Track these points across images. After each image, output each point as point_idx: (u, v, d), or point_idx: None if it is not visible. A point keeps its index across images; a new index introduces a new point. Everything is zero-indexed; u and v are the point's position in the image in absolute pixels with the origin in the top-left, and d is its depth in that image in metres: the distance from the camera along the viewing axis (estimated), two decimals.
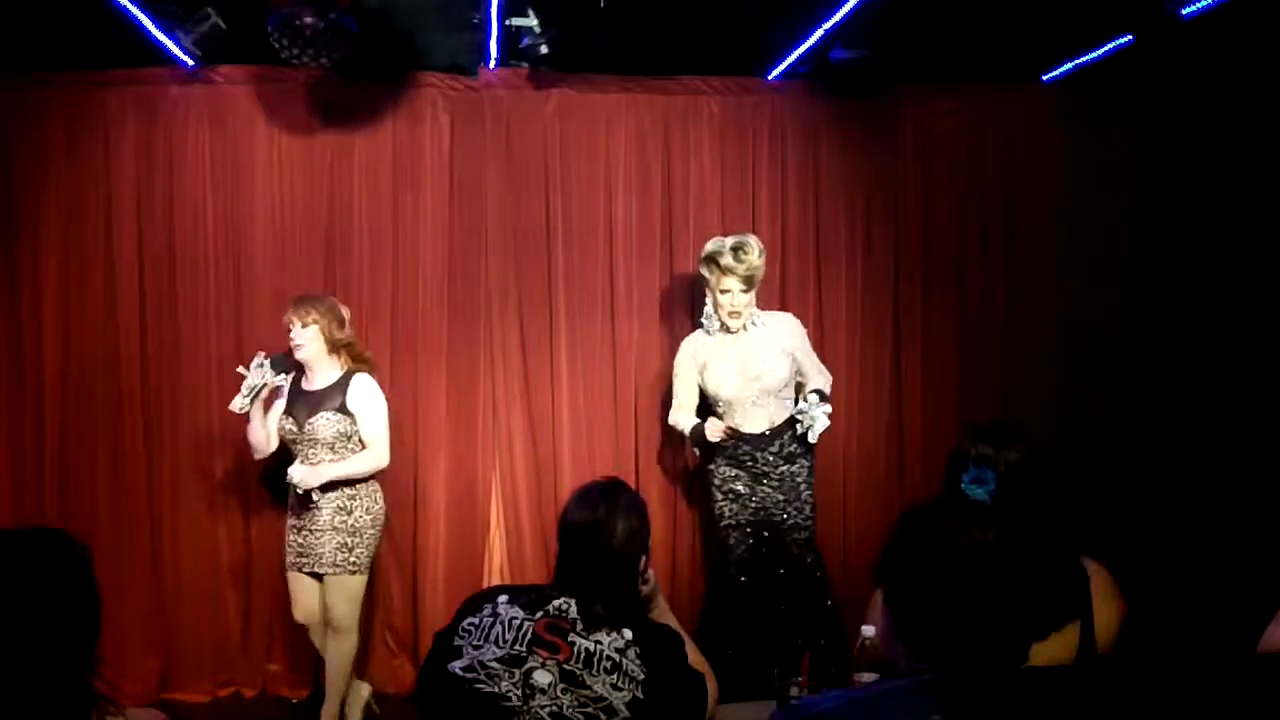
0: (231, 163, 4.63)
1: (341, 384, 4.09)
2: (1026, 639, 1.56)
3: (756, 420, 4.29)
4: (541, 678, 2.07)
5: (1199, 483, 4.82)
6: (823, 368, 4.44)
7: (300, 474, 3.95)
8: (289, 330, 4.06)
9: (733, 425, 4.29)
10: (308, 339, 4.05)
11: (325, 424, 4.03)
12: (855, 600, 4.20)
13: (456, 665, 2.13)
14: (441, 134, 4.73)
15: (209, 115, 4.61)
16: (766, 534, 4.28)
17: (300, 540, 4.07)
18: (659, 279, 4.85)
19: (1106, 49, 4.53)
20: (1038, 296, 4.99)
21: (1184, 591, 4.49)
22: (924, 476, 4.76)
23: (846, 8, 4.05)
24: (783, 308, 4.64)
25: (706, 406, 4.41)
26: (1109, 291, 5.01)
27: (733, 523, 4.31)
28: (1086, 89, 4.90)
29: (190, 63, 4.50)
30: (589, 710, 2.06)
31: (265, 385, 4.00)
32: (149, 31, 4.16)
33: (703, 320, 4.44)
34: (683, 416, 4.42)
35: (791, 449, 4.29)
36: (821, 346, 4.66)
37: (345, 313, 4.17)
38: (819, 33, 4.30)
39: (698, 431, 4.33)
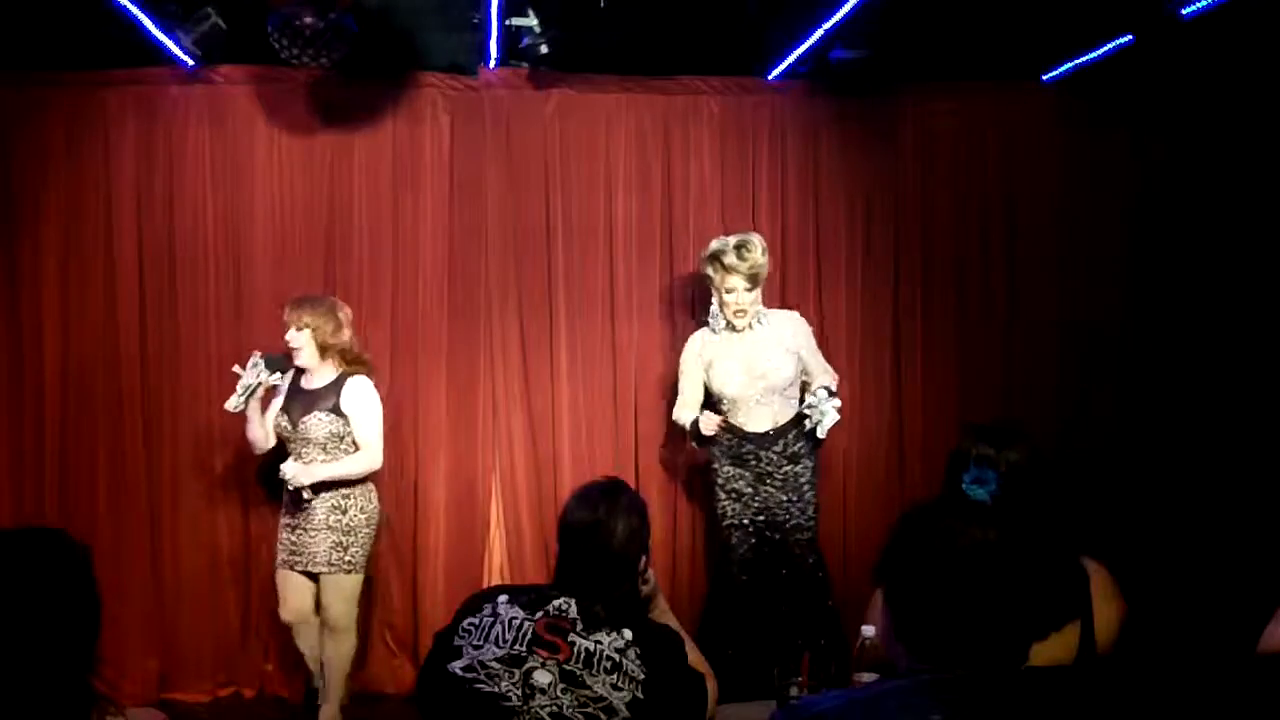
0: (231, 163, 4.63)
1: (336, 385, 4.10)
2: (1026, 639, 1.56)
3: (761, 419, 4.29)
4: (541, 678, 2.07)
5: (1199, 483, 4.82)
6: (828, 367, 4.44)
7: (292, 470, 3.96)
8: (286, 330, 4.08)
9: (737, 423, 4.28)
10: (301, 342, 4.07)
11: (318, 424, 4.03)
12: (855, 600, 4.20)
13: (456, 665, 2.13)
14: (441, 134, 4.73)
15: (209, 115, 4.61)
16: (769, 534, 4.28)
17: (293, 539, 4.07)
18: (659, 279, 4.85)
19: (1106, 49, 4.53)
20: (1038, 296, 4.98)
21: (1184, 591, 4.49)
22: (924, 476, 4.76)
23: (846, 8, 4.05)
24: (783, 308, 4.64)
25: (712, 405, 4.40)
26: (1109, 291, 5.00)
27: (735, 522, 4.31)
28: (1086, 89, 4.90)
29: (190, 63, 4.50)
30: (589, 710, 2.05)
31: (260, 385, 4.01)
32: (149, 31, 4.16)
33: (709, 319, 4.44)
34: (685, 413, 4.42)
35: (796, 449, 4.29)
36: (822, 346, 4.65)
37: (345, 315, 4.16)
38: (819, 33, 4.31)
39: (696, 426, 4.33)
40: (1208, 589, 4.47)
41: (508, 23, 4.37)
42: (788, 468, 4.28)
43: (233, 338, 4.59)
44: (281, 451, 4.15)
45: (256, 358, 4.04)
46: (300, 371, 4.13)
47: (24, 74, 4.48)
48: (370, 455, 4.09)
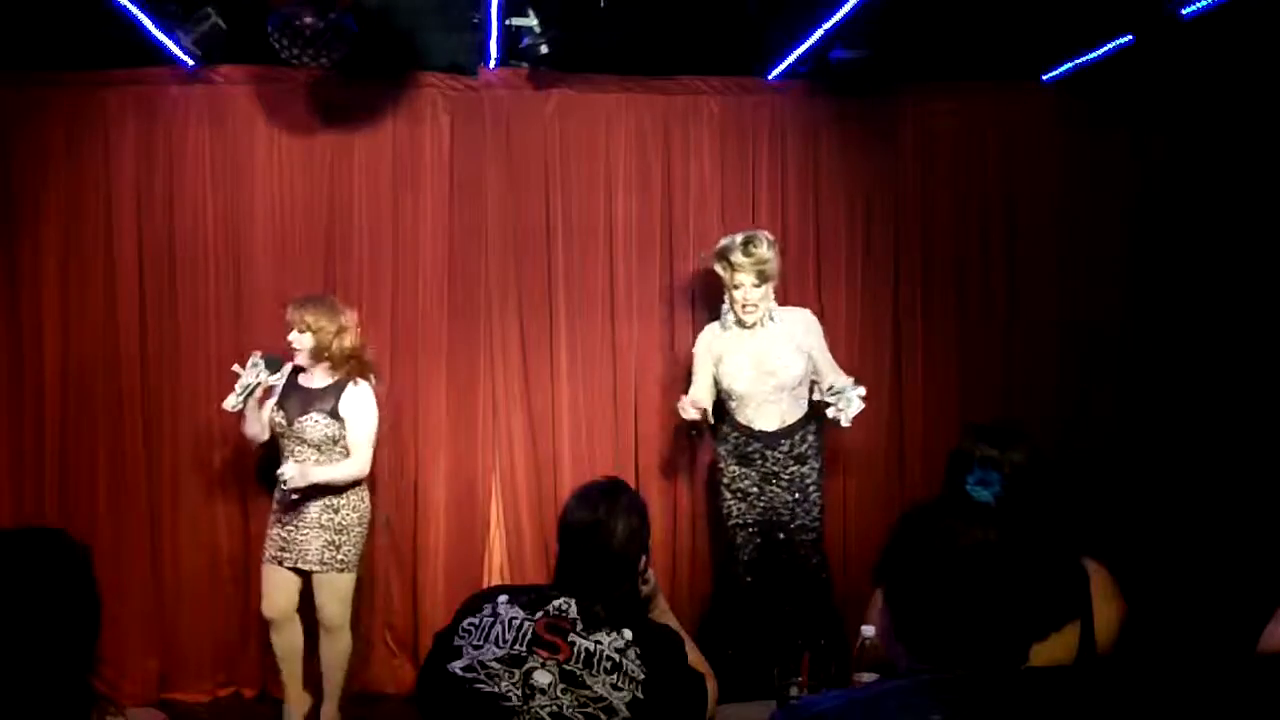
0: (231, 163, 4.63)
1: (337, 387, 4.10)
2: (1026, 639, 1.56)
3: (768, 417, 4.29)
4: (541, 678, 2.07)
5: (1199, 483, 4.82)
6: (838, 368, 4.42)
7: (291, 473, 3.95)
8: (289, 329, 4.08)
9: (744, 421, 4.27)
10: (303, 344, 4.08)
11: (314, 425, 4.04)
12: (856, 600, 4.20)
13: (456, 665, 2.13)
14: (441, 134, 4.73)
15: (209, 115, 4.61)
16: (773, 534, 4.28)
17: (284, 534, 4.08)
18: (659, 279, 4.85)
19: (1106, 49, 4.53)
20: (1038, 296, 4.98)
21: (1184, 591, 4.49)
22: (924, 476, 4.76)
23: (846, 8, 4.05)
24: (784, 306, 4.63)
25: (720, 402, 4.41)
26: (1109, 291, 5.00)
27: (740, 522, 4.31)
28: (1086, 89, 4.89)
29: (190, 63, 4.50)
30: (589, 710, 2.06)
31: (259, 385, 4.02)
32: (149, 31, 4.16)
33: (720, 317, 4.43)
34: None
35: (802, 449, 4.29)
36: None
37: (349, 318, 4.15)
38: (819, 33, 4.30)
39: (707, 418, 4.32)
40: (1208, 589, 4.47)
41: (508, 23, 4.37)
42: (794, 468, 4.28)
43: (233, 338, 4.59)
44: (273, 446, 4.16)
45: (256, 357, 4.05)
46: (298, 368, 4.14)
47: (24, 74, 4.48)
48: (359, 462, 4.10)
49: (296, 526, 4.05)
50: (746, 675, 3.68)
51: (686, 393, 4.41)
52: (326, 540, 4.04)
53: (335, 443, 4.07)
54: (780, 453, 4.27)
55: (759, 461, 4.28)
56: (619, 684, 2.08)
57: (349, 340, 4.12)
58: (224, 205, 4.63)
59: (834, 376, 4.31)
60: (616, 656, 2.10)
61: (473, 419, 4.75)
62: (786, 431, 4.28)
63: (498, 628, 2.13)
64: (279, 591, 4.13)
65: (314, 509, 4.03)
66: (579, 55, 4.57)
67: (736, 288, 4.28)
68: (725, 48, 4.69)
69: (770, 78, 4.85)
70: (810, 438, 4.32)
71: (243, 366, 4.05)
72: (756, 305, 4.29)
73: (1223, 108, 4.89)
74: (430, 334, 4.73)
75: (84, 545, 1.73)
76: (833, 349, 4.72)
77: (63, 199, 4.55)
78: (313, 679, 4.37)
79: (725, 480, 4.35)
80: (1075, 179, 4.99)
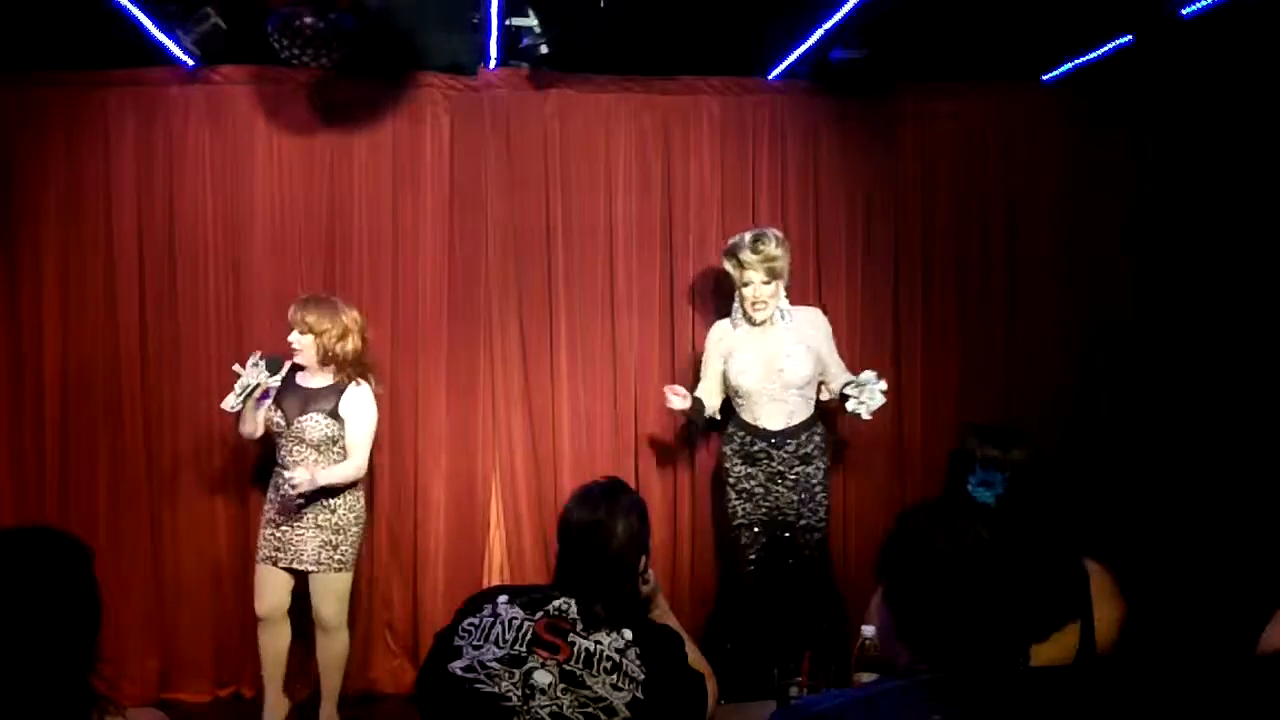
0: (231, 163, 4.63)
1: (337, 389, 4.11)
2: (1026, 639, 1.56)
3: (775, 416, 4.29)
4: (541, 678, 2.07)
5: (1199, 483, 4.82)
6: (846, 371, 4.43)
7: (303, 478, 3.95)
8: (291, 329, 4.08)
9: (751, 420, 4.28)
10: (305, 345, 4.08)
11: (315, 425, 4.04)
12: (856, 600, 4.21)
13: (456, 665, 2.13)
14: (441, 134, 4.73)
15: (209, 115, 4.61)
16: (779, 534, 4.29)
17: (278, 534, 4.08)
18: (659, 279, 4.85)
19: (1106, 49, 4.53)
20: (1038, 296, 4.98)
21: (1184, 591, 4.50)
22: (924, 476, 4.76)
23: (846, 8, 4.05)
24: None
25: (728, 400, 4.42)
26: (1109, 291, 5.00)
27: (745, 522, 4.32)
28: (1086, 89, 4.90)
29: (190, 63, 4.50)
30: (589, 710, 2.06)
31: (259, 385, 4.01)
32: (149, 31, 4.16)
33: (732, 314, 4.44)
34: (694, 394, 4.45)
35: (809, 449, 4.29)
36: None
37: (353, 320, 4.13)
38: (819, 33, 4.30)
39: (697, 406, 4.36)
40: (1208, 589, 4.47)
41: (508, 23, 4.37)
42: (800, 468, 4.28)
43: (233, 338, 4.59)
44: (271, 445, 4.17)
45: (256, 358, 4.05)
46: (297, 366, 4.14)
47: (24, 74, 4.47)
48: (357, 463, 4.11)
49: (292, 527, 4.05)
50: (746, 675, 3.68)
51: (695, 388, 4.44)
52: (324, 540, 4.05)
53: (334, 443, 4.07)
54: (786, 452, 4.27)
55: (765, 461, 4.28)
56: (619, 684, 2.08)
57: (352, 343, 4.12)
58: (224, 205, 4.63)
59: (844, 378, 4.34)
60: (616, 657, 2.10)
61: (473, 419, 4.75)
62: (793, 431, 4.28)
63: (498, 628, 2.13)
64: (273, 591, 4.13)
65: (310, 509, 4.03)
66: (579, 55, 4.57)
67: (746, 285, 4.29)
68: (725, 48, 4.69)
69: (770, 78, 4.85)
70: (817, 438, 4.32)
71: (243, 366, 4.04)
72: (766, 303, 4.29)
73: (1223, 108, 4.90)
74: (430, 334, 4.73)
75: (84, 545, 1.73)
76: None
77: (63, 199, 4.54)
78: (308, 681, 4.38)
79: (731, 480, 4.35)
80: (1075, 179, 4.99)
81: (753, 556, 4.30)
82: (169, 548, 4.62)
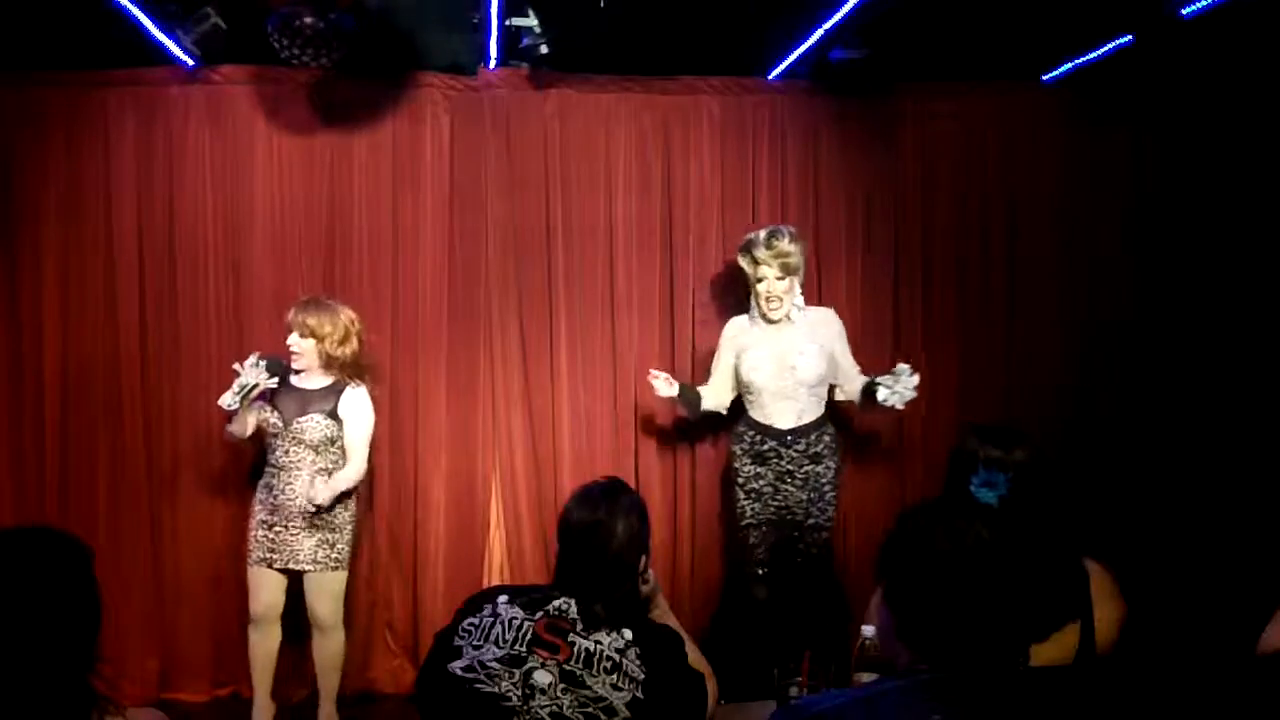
0: (231, 163, 4.63)
1: (336, 388, 4.11)
2: (1026, 639, 1.56)
3: (785, 414, 4.29)
4: (541, 678, 2.07)
5: (1199, 483, 4.82)
6: (861, 374, 4.43)
7: (326, 494, 3.97)
8: (289, 332, 4.08)
9: (761, 418, 4.29)
10: (305, 349, 4.08)
11: (314, 426, 4.04)
12: (856, 601, 4.21)
13: (456, 665, 2.13)
14: (441, 134, 4.73)
15: (209, 115, 4.61)
16: (787, 533, 4.29)
17: (272, 535, 4.07)
18: (659, 279, 4.85)
19: (1106, 49, 4.53)
20: (1038, 296, 4.98)
21: (1184, 591, 4.50)
22: (924, 476, 4.76)
23: (846, 8, 4.05)
24: None
25: (738, 400, 4.43)
26: (1109, 291, 5.00)
27: (753, 522, 4.32)
28: (1086, 89, 4.90)
29: (190, 63, 4.50)
30: (589, 710, 2.06)
31: (257, 386, 4.01)
32: (149, 31, 4.16)
33: (749, 310, 4.44)
34: (702, 387, 4.47)
35: (819, 448, 4.30)
36: None
37: (353, 323, 4.13)
38: (819, 33, 4.31)
39: (687, 395, 4.40)
40: (1208, 589, 4.47)
41: (508, 23, 4.37)
42: (809, 467, 4.28)
43: (233, 338, 4.59)
44: (261, 445, 4.18)
45: (256, 358, 4.04)
46: (292, 368, 4.13)
47: (24, 74, 4.48)
48: (358, 465, 4.12)
49: (286, 527, 4.05)
50: (746, 675, 3.68)
51: (706, 383, 4.47)
52: (320, 539, 4.05)
53: (332, 443, 4.07)
54: (796, 451, 4.28)
55: (774, 460, 4.28)
56: (619, 684, 2.08)
57: (352, 346, 4.12)
58: (224, 205, 4.63)
59: (857, 380, 4.37)
60: (616, 656, 2.10)
61: (473, 419, 4.75)
62: (803, 430, 4.28)
63: (498, 628, 2.13)
64: (268, 592, 4.12)
65: (306, 510, 4.04)
66: (579, 55, 4.57)
67: (760, 281, 4.31)
68: (725, 48, 4.69)
69: (770, 78, 4.85)
70: (827, 437, 4.33)
71: (242, 365, 4.04)
72: (781, 299, 4.30)
73: (1223, 108, 4.90)
74: (430, 334, 4.73)
75: (84, 545, 1.73)
76: None
77: (63, 199, 4.55)
78: (305, 682, 4.38)
79: (740, 480, 4.35)
80: (1075, 179, 4.99)
81: (760, 557, 4.31)
82: (169, 548, 4.62)
